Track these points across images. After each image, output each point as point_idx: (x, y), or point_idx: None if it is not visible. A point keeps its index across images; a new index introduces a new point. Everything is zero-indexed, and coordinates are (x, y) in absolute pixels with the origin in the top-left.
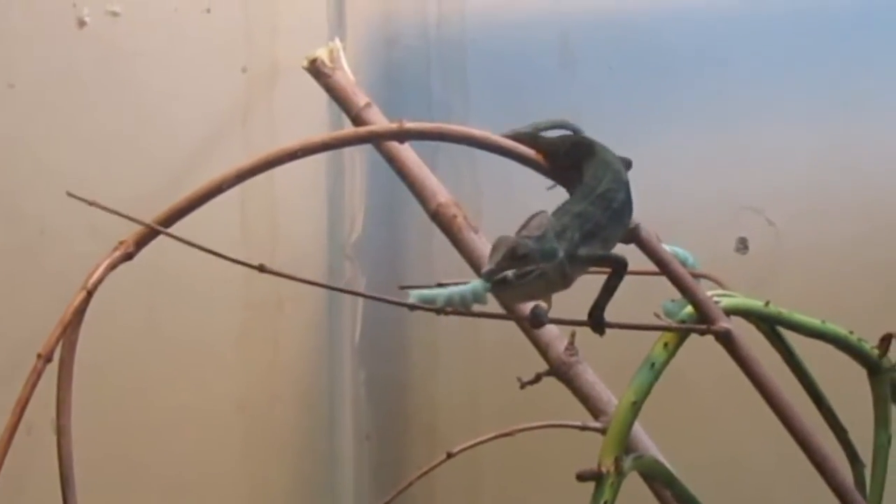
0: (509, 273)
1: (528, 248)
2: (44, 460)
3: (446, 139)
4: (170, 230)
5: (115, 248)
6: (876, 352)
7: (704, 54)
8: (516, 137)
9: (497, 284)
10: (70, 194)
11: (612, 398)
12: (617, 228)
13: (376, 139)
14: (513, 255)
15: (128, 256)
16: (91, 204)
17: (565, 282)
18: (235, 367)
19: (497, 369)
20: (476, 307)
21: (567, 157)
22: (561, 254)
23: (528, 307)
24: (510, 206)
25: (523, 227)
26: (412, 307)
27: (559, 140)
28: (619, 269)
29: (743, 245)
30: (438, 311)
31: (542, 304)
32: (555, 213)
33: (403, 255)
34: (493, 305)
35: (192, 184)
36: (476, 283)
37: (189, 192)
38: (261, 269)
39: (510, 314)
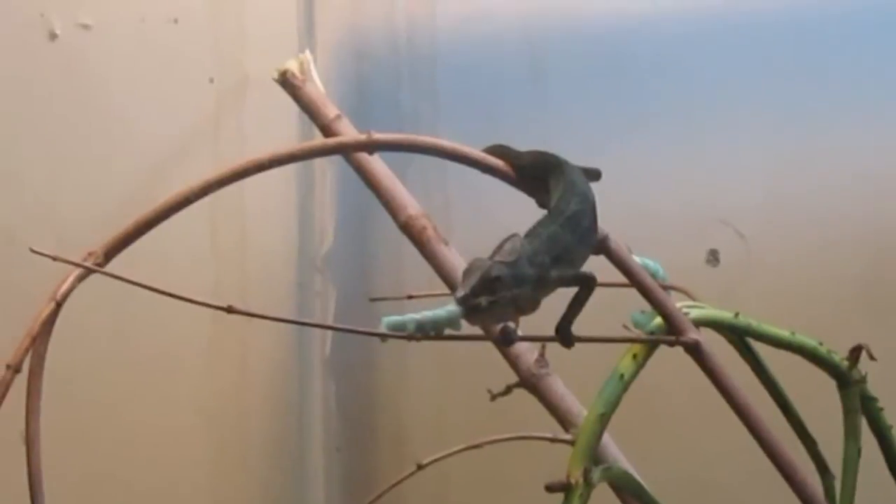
0: (482, 299)
1: (501, 273)
2: (12, 471)
3: (415, 150)
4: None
5: (84, 259)
6: (845, 363)
7: (674, 67)
8: (486, 149)
9: (470, 310)
10: (33, 251)
11: (582, 410)
12: (585, 249)
13: (345, 150)
14: (486, 280)
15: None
16: (55, 259)
17: (535, 305)
18: (204, 380)
19: (467, 381)
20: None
21: (533, 170)
22: (533, 278)
23: (497, 326)
24: (480, 218)
25: (496, 250)
26: (384, 336)
27: (526, 152)
28: (588, 286)
29: (714, 257)
30: (409, 338)
31: (511, 324)
32: (526, 236)
33: (373, 267)
34: (462, 326)
35: (160, 195)
36: (450, 308)
37: (157, 203)
38: (229, 310)
39: (480, 335)
